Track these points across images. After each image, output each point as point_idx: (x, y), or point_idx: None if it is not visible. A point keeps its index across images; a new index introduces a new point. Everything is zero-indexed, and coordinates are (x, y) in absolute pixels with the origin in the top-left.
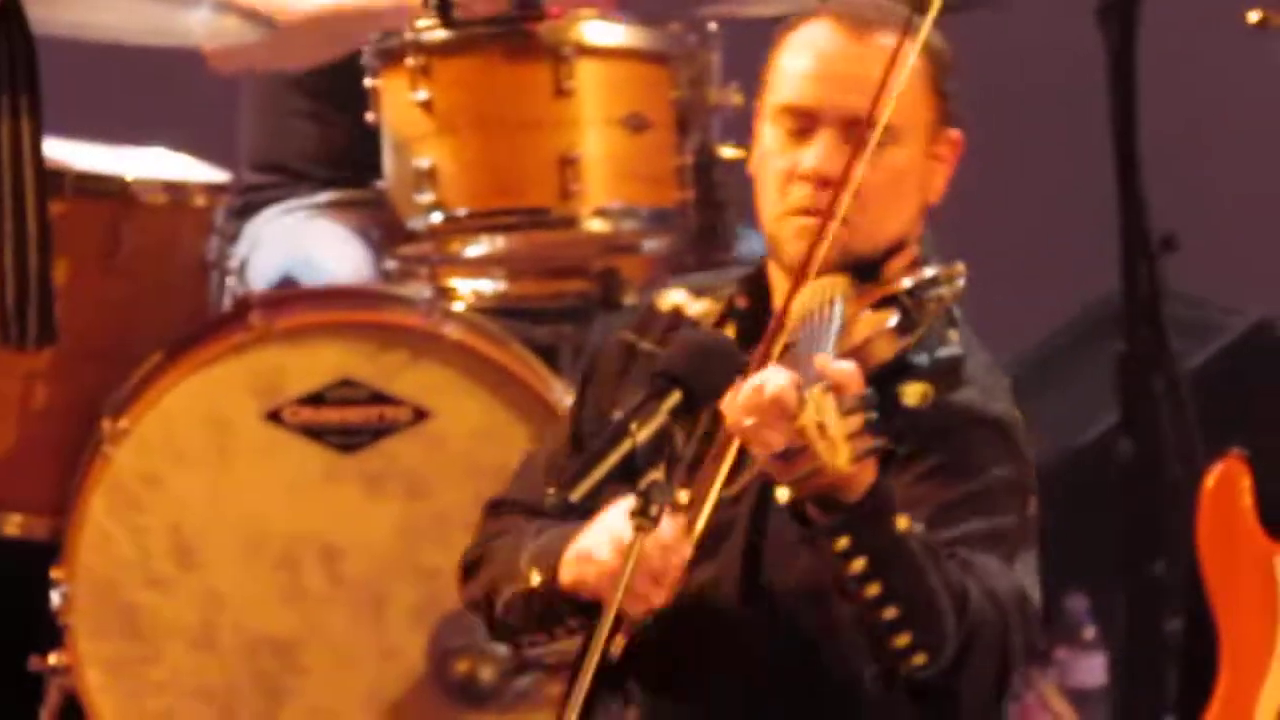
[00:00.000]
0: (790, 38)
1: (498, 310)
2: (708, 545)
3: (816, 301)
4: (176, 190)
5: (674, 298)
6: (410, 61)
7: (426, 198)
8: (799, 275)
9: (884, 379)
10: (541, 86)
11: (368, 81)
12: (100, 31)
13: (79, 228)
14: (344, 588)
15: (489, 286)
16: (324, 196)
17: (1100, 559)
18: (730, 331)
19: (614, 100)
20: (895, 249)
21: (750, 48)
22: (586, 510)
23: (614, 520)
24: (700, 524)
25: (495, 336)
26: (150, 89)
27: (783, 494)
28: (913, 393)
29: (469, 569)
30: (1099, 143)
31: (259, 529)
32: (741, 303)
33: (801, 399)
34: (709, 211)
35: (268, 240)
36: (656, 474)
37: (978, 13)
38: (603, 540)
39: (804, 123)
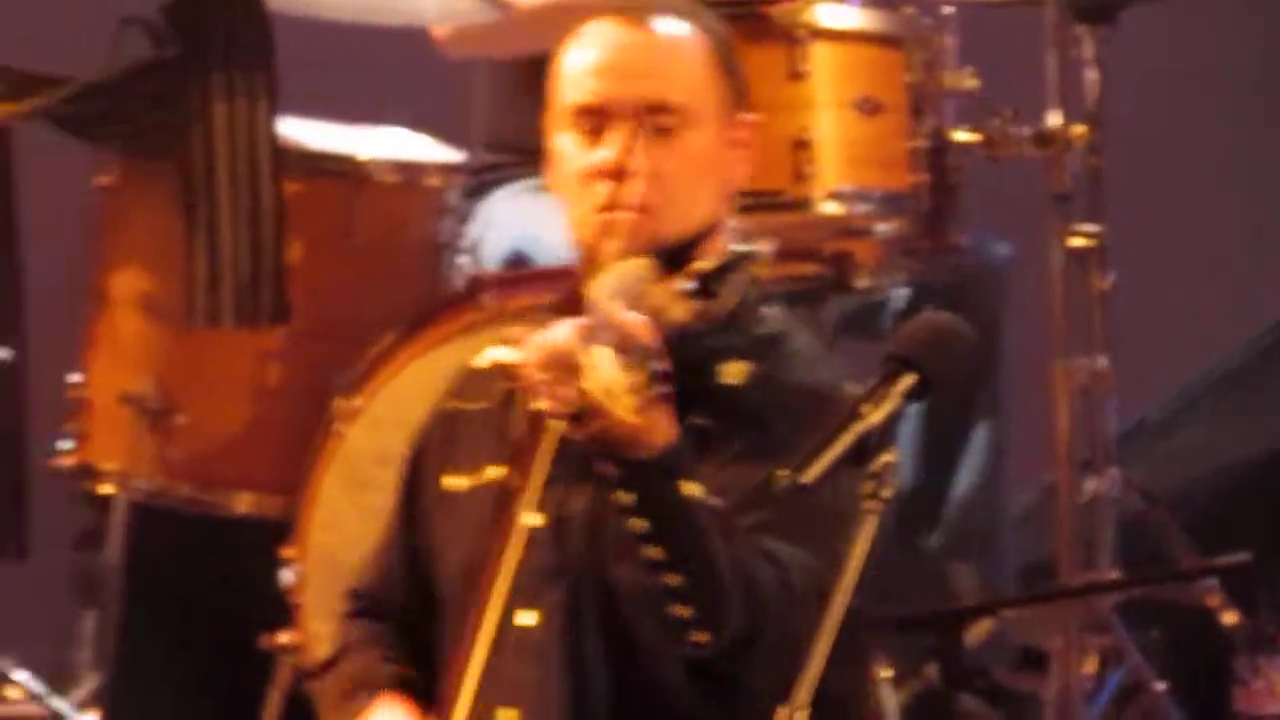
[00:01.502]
0: (569, 43)
1: None
2: (556, 567)
3: (614, 280)
4: (409, 170)
5: (492, 354)
6: None
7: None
8: (592, 262)
9: (702, 361)
10: (776, 69)
11: None
12: (335, 10)
13: (312, 207)
14: None
15: None
16: None
17: None
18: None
19: (847, 83)
20: (702, 237)
21: (984, 31)
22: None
23: None
24: (529, 510)
25: None
26: (385, 68)
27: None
28: (733, 371)
29: (318, 670)
30: None
31: None
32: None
33: (586, 352)
34: (941, 195)
35: (500, 220)
36: (889, 456)
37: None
38: None
39: (596, 121)
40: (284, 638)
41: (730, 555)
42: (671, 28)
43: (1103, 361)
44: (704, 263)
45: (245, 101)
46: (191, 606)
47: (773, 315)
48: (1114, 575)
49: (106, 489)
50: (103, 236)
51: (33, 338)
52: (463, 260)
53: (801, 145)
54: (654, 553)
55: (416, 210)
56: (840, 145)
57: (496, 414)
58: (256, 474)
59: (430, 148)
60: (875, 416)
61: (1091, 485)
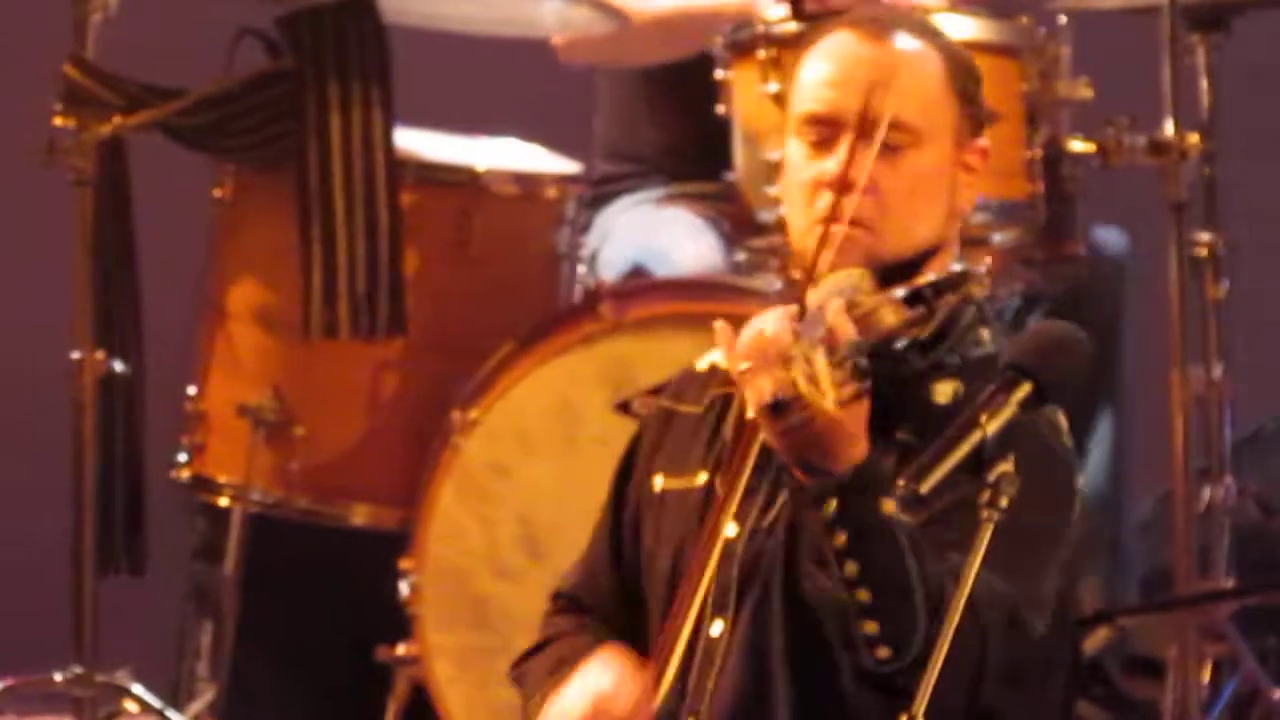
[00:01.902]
0: (810, 52)
1: None
2: (750, 574)
3: (831, 287)
4: (527, 181)
5: (711, 357)
6: (761, 54)
7: (777, 190)
8: (808, 271)
9: (915, 378)
10: None
11: (718, 74)
12: (452, 22)
13: (429, 218)
14: None
15: None
16: (675, 188)
17: None
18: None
19: None
20: (925, 257)
21: (1099, 41)
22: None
23: (592, 672)
24: (728, 519)
25: None
26: (503, 79)
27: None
28: (944, 390)
29: (522, 658)
30: None
31: None
32: None
33: (795, 341)
34: (1058, 204)
35: (618, 231)
36: (1006, 465)
37: None
38: (578, 695)
39: (826, 132)
40: (401, 650)
41: (922, 576)
42: (910, 45)
43: (1219, 370)
44: (920, 278)
45: (361, 112)
46: (308, 619)
47: (988, 336)
48: (1230, 584)
49: (223, 501)
50: (219, 248)
51: (149, 351)
52: (581, 271)
53: None
54: (848, 568)
55: (534, 221)
56: None
57: (710, 418)
58: (374, 485)
59: (547, 158)
60: (992, 426)
61: (1208, 494)
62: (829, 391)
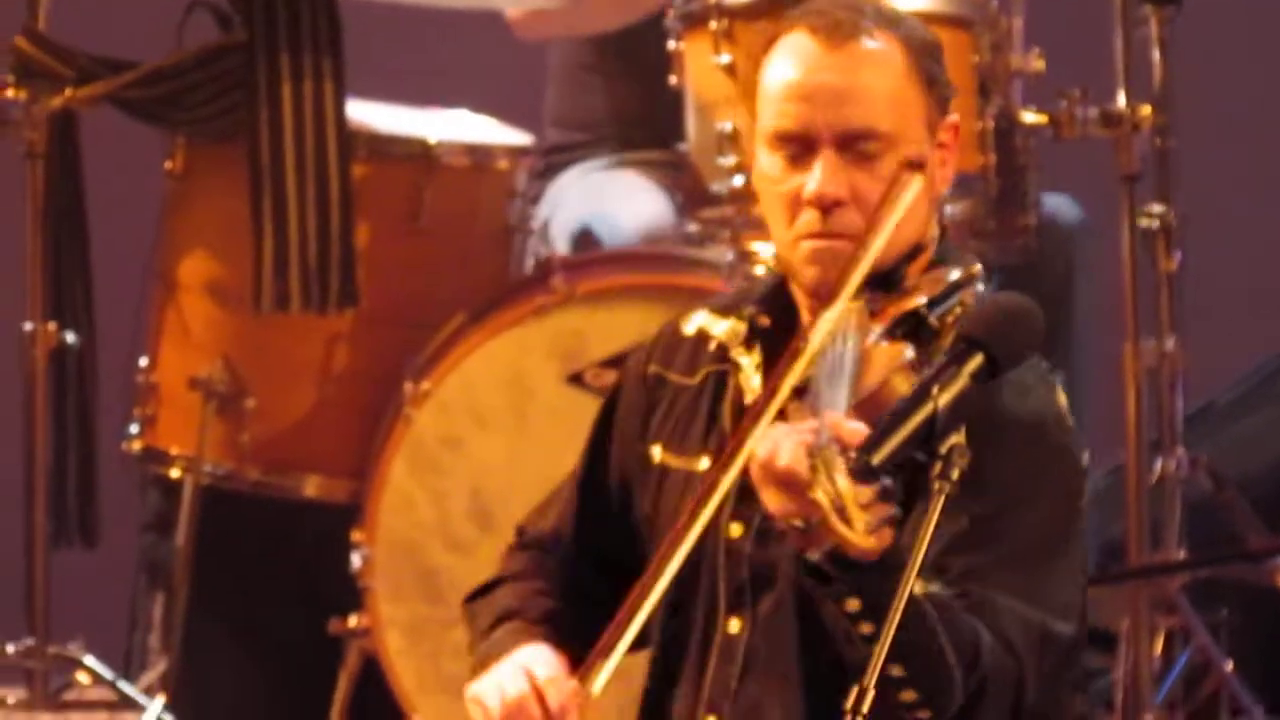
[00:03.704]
0: (769, 60)
1: None
2: (765, 575)
3: (833, 333)
4: (479, 153)
5: (697, 321)
6: (713, 25)
7: (729, 161)
8: (798, 283)
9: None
10: None
11: (670, 45)
12: None
13: (381, 190)
14: None
15: None
16: (624, 156)
17: None
18: (756, 352)
19: None
20: (914, 253)
21: (1052, 12)
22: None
23: (510, 670)
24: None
25: None
26: (454, 51)
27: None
28: (944, 401)
29: (474, 595)
30: None
31: None
32: (764, 321)
33: (814, 466)
34: (1010, 176)
35: (569, 200)
36: (957, 438)
37: None
38: (493, 691)
39: (799, 146)
40: (353, 621)
41: (953, 640)
42: (871, 44)
43: (1171, 342)
44: (918, 299)
45: (313, 85)
46: (260, 590)
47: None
48: (1182, 556)
49: (175, 473)
50: (170, 221)
51: (101, 323)
52: (532, 243)
53: None
54: (878, 649)
55: (486, 193)
56: None
57: (708, 397)
58: (325, 457)
59: (498, 130)
60: (943, 398)
61: (1160, 467)
62: (856, 517)
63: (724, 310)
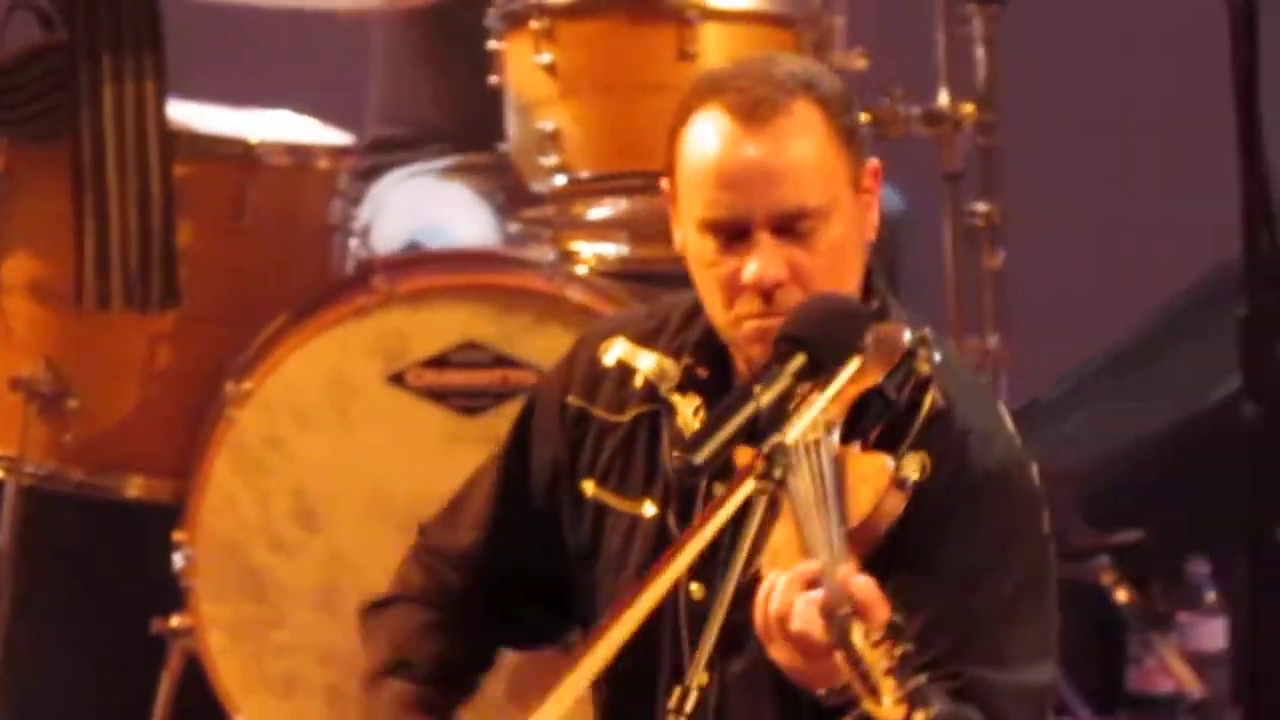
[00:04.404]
0: (687, 139)
1: (621, 274)
2: (732, 639)
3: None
4: (300, 153)
5: (616, 352)
6: (534, 24)
7: (550, 160)
8: (750, 366)
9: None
10: (665, 50)
11: (492, 44)
12: None
13: (203, 190)
14: None
15: (612, 250)
16: (448, 160)
17: (1222, 524)
18: (694, 401)
19: None
20: None
21: (874, 10)
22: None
23: None
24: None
25: (618, 300)
26: (276, 53)
27: None
28: (910, 466)
29: (371, 609)
30: (1221, 105)
31: (381, 492)
32: (701, 372)
33: (830, 629)
34: None
35: (392, 203)
36: (780, 437)
37: None
38: None
39: (732, 232)
40: (176, 621)
41: None
42: (793, 120)
43: (995, 340)
44: (871, 379)
45: (134, 84)
46: (83, 591)
47: (934, 395)
48: None
49: None
50: None
51: None
52: (354, 243)
53: None
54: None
55: (308, 193)
56: None
57: (644, 438)
58: (148, 457)
59: (320, 130)
60: (765, 397)
61: None
62: (885, 689)
63: (644, 341)
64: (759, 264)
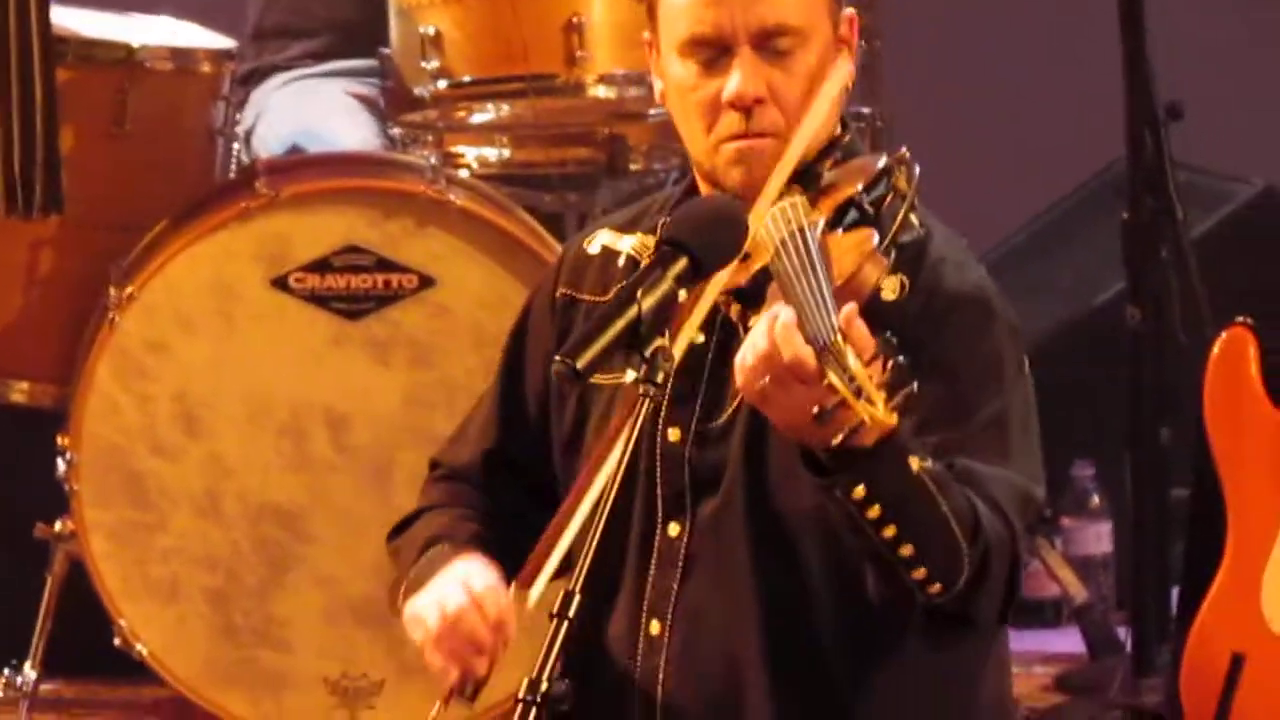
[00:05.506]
0: None
1: (503, 177)
2: (706, 479)
3: (783, 228)
4: (183, 57)
5: (600, 240)
6: None
7: (431, 64)
8: (724, 188)
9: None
10: None
11: None
12: None
13: (85, 95)
14: (349, 455)
15: (494, 154)
16: (330, 65)
17: (1107, 427)
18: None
19: None
20: (826, 150)
21: None
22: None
23: (447, 586)
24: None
25: (500, 204)
26: None
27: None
28: (890, 286)
29: (397, 530)
30: (1108, 10)
31: (265, 396)
32: None
33: (821, 352)
34: None
35: (274, 108)
36: (661, 341)
37: None
38: (432, 607)
39: (714, 50)
40: (59, 526)
41: (955, 510)
42: None
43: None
44: (852, 188)
45: None
46: None
47: (916, 221)
48: None
49: None
50: None
51: None
52: (236, 148)
53: (574, 28)
54: (886, 531)
55: (190, 98)
56: (613, 28)
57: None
58: (32, 363)
59: (202, 34)
60: (647, 302)
61: None
62: (879, 399)
63: (626, 227)
64: (740, 78)
